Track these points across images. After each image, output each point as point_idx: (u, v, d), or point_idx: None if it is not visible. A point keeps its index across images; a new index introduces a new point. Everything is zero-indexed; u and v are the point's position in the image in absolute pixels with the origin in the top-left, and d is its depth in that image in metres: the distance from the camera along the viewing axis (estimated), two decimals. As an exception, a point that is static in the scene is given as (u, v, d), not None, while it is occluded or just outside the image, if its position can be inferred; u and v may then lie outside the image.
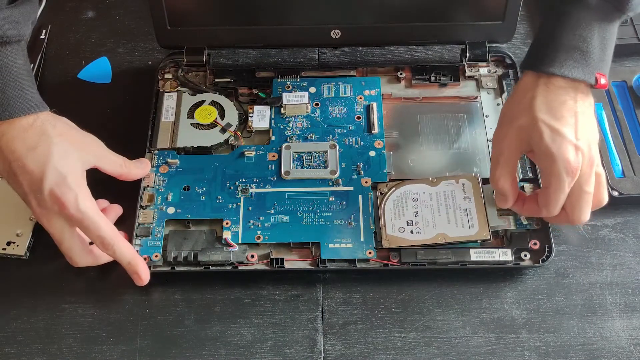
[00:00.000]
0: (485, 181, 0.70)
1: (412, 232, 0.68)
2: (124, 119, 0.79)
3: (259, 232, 0.69)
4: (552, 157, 0.61)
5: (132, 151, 0.72)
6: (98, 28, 0.88)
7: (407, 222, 0.68)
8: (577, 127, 0.62)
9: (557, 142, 0.61)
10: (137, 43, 0.87)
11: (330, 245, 0.68)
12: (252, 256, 0.67)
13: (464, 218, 0.68)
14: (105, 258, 0.66)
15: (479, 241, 0.67)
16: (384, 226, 0.68)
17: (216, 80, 0.80)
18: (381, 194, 0.70)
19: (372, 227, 0.69)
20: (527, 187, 0.71)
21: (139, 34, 0.88)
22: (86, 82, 0.83)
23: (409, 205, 0.69)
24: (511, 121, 0.64)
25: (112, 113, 0.80)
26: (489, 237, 0.67)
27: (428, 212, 0.68)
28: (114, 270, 0.68)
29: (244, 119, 0.77)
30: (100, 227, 0.63)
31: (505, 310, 0.66)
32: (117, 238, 0.64)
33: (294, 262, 0.68)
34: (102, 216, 0.63)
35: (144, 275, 0.65)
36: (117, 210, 0.71)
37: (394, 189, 0.70)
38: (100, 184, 0.68)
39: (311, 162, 0.73)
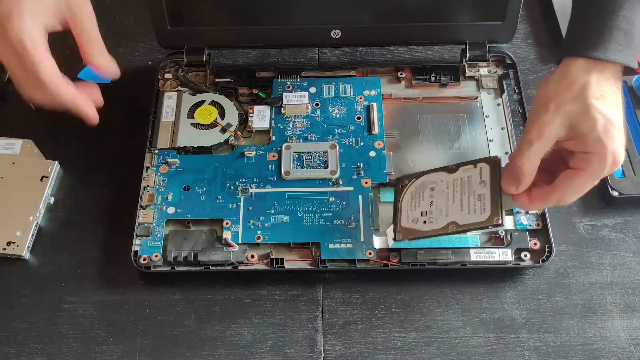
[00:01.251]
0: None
1: (425, 222, 0.65)
2: (124, 119, 0.79)
3: (259, 232, 0.68)
4: (604, 147, 0.58)
5: (132, 150, 0.73)
6: (98, 28, 0.87)
7: (422, 212, 0.66)
8: (623, 118, 0.60)
9: (610, 132, 0.58)
10: (137, 43, 0.87)
11: (330, 246, 0.67)
12: (252, 256, 0.67)
13: (477, 204, 0.63)
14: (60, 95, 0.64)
15: (489, 227, 0.63)
16: (400, 218, 0.66)
17: (216, 80, 0.80)
18: (401, 187, 0.68)
19: (372, 227, 0.68)
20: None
21: (139, 34, 0.87)
22: (86, 82, 0.81)
23: (426, 195, 0.66)
24: (558, 106, 0.60)
25: (112, 113, 0.77)
26: (500, 223, 0.62)
27: (443, 200, 0.65)
28: (114, 270, 0.68)
29: (244, 119, 0.77)
30: (39, 63, 0.60)
31: (505, 310, 0.66)
32: (56, 79, 0.61)
33: (294, 262, 0.67)
34: (46, 55, 0.61)
35: (91, 115, 0.65)
36: (95, 94, 0.68)
37: (414, 179, 0.68)
38: (101, 183, 0.67)
39: (311, 162, 0.73)
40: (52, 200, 0.73)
